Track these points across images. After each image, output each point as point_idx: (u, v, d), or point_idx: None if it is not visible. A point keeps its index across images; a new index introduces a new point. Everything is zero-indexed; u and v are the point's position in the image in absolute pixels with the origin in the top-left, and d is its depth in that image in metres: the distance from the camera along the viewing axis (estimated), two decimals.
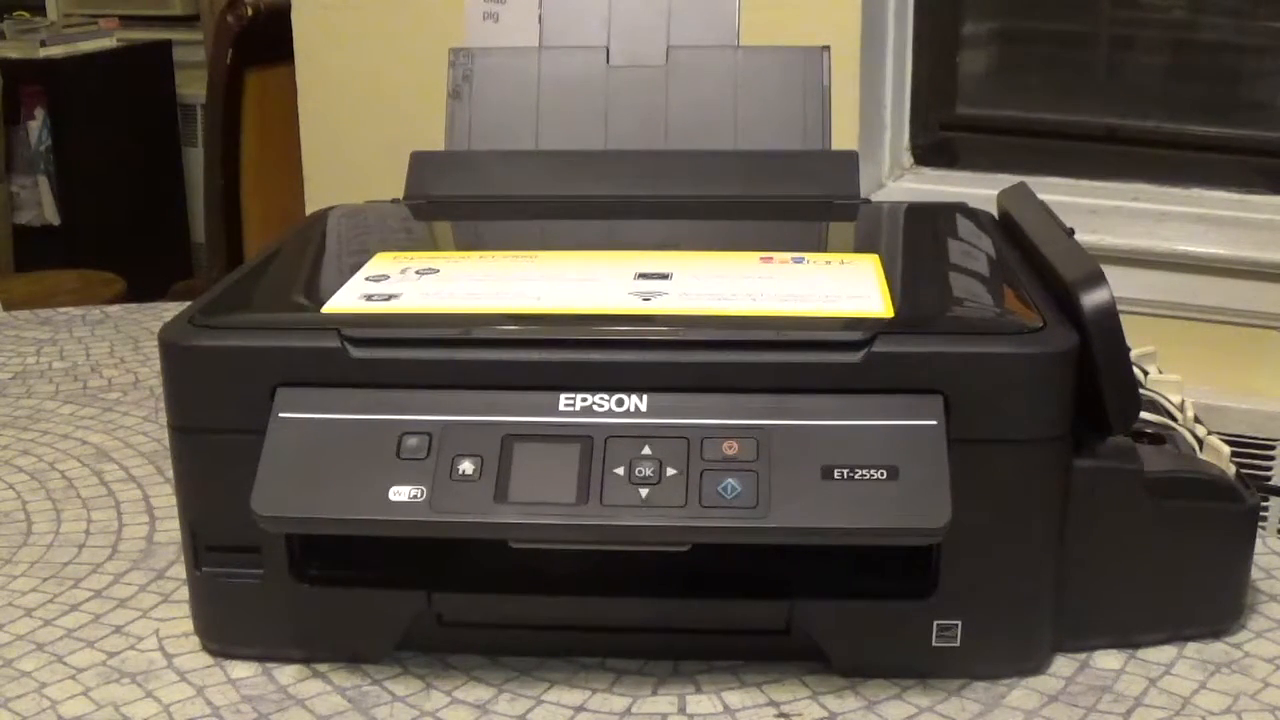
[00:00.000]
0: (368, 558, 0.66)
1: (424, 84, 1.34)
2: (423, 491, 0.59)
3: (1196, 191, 1.63)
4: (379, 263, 0.73)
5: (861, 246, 0.83)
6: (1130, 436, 0.65)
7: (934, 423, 0.60)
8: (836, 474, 0.59)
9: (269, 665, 0.66)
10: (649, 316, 0.64)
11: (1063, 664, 0.66)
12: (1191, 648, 0.67)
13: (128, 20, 3.41)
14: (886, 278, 0.69)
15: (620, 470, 0.59)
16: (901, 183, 1.75)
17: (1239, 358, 1.53)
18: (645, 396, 0.61)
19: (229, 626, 0.67)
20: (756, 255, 0.73)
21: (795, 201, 0.88)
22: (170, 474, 0.70)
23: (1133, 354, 0.67)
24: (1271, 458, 1.51)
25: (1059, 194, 1.56)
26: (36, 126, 3.08)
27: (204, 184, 2.43)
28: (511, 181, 0.89)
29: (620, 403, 0.61)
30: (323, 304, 0.67)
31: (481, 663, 0.66)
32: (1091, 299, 0.63)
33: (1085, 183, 1.68)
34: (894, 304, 0.65)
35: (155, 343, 0.65)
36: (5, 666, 0.66)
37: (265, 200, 2.31)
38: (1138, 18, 1.80)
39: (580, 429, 0.60)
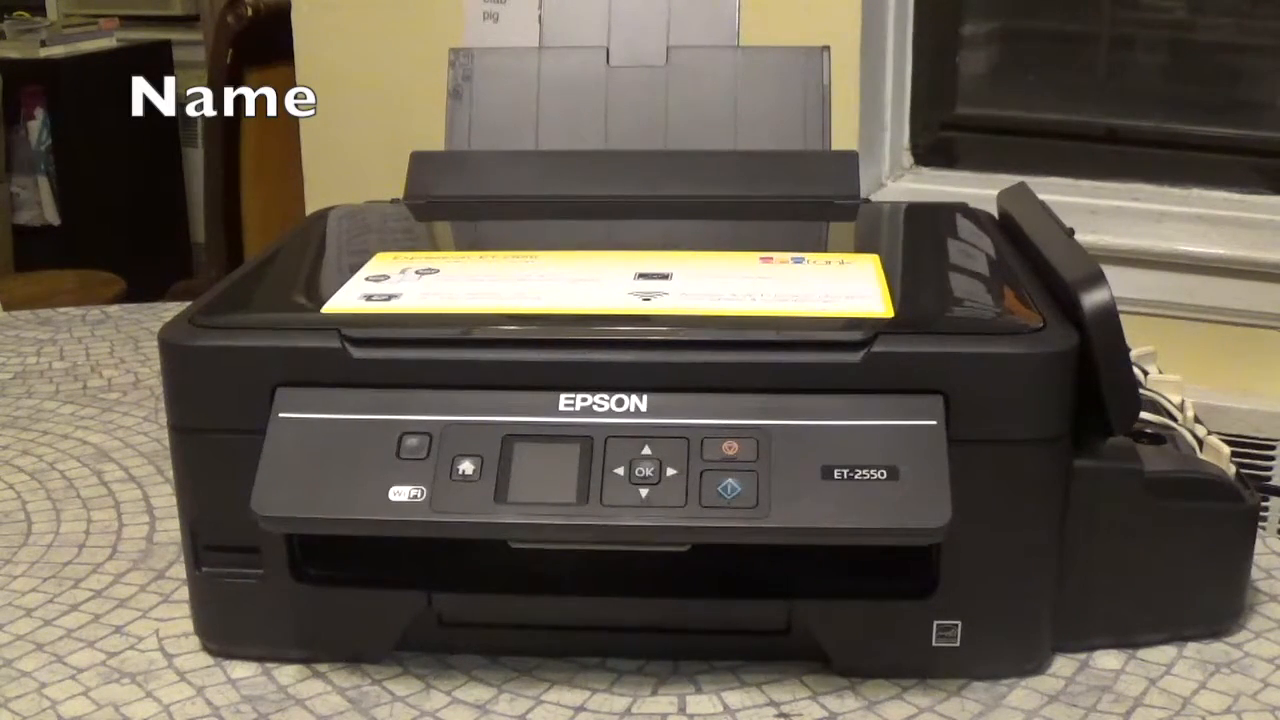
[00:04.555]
0: (368, 558, 0.66)
1: (424, 84, 1.34)
2: (423, 491, 0.59)
3: (1196, 191, 1.63)
4: (379, 263, 0.73)
5: (861, 246, 0.83)
6: (1130, 436, 0.65)
7: (934, 423, 0.60)
8: (836, 474, 0.59)
9: (269, 665, 0.66)
10: (649, 316, 0.64)
11: (1063, 664, 0.66)
12: (1191, 648, 0.67)
13: (128, 20, 3.41)
14: (886, 278, 0.69)
15: (620, 470, 0.59)
16: (901, 183, 1.75)
17: (1239, 358, 1.53)
18: (645, 396, 0.61)
19: (229, 626, 0.67)
20: (756, 255, 0.73)
21: (795, 201, 0.88)
22: (170, 474, 0.70)
23: (1133, 354, 0.67)
24: (1271, 458, 1.51)
25: (1059, 194, 1.56)
26: (36, 126, 3.08)
27: (204, 184, 2.43)
28: (511, 181, 0.89)
29: (620, 403, 0.61)
30: (323, 304, 0.66)
31: (481, 663, 0.66)
32: (1091, 299, 0.63)
33: (1085, 183, 1.68)
34: (894, 304, 0.65)
35: (155, 343, 0.65)
36: (5, 666, 0.66)
37: (265, 200, 2.31)
38: (1138, 18, 1.80)
39: (580, 429, 0.60)
